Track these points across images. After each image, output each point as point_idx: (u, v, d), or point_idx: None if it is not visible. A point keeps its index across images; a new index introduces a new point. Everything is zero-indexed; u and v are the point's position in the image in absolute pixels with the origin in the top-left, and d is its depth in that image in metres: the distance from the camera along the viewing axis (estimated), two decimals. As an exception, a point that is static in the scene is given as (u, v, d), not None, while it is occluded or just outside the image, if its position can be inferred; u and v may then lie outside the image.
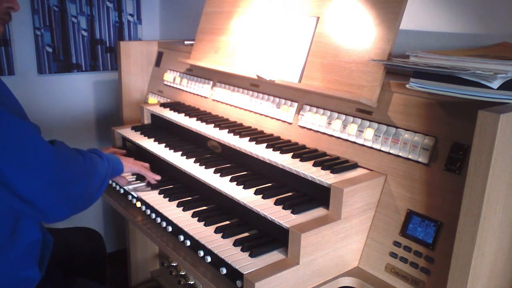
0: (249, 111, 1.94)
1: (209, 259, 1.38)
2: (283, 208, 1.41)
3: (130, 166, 1.72)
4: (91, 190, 1.42)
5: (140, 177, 1.89)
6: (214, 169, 1.70)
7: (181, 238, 1.50)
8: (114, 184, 1.95)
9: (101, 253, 2.03)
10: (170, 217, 1.57)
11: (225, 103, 2.08)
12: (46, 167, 1.26)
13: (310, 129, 1.68)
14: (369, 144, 1.48)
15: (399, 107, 1.43)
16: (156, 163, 1.94)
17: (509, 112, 1.00)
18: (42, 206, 1.27)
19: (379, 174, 1.43)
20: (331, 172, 1.44)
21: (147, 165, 1.82)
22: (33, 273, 1.43)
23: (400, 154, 1.39)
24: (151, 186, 1.82)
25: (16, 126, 1.23)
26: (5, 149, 1.19)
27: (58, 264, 1.74)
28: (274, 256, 1.33)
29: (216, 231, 1.47)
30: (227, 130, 1.84)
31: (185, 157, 1.83)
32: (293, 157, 1.57)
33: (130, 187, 1.83)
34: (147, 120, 2.34)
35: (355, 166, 1.49)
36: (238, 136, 1.78)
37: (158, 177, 1.79)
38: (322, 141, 1.63)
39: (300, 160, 1.53)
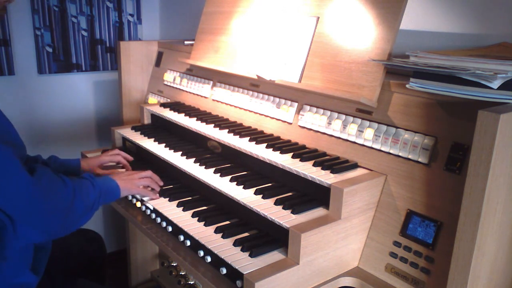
0: (249, 111, 1.94)
1: (209, 259, 1.38)
2: (283, 208, 1.41)
3: (130, 189, 1.65)
4: (68, 222, 1.39)
5: None
6: (214, 169, 1.70)
7: (181, 238, 1.50)
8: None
9: (101, 255, 2.02)
10: (170, 217, 1.57)
11: (225, 103, 2.08)
12: (21, 198, 1.26)
13: (310, 129, 1.67)
14: (369, 144, 1.48)
15: (399, 107, 1.43)
16: (156, 163, 1.94)
17: (509, 112, 1.00)
18: (16, 225, 1.27)
19: (379, 174, 1.43)
20: (331, 172, 1.44)
21: (148, 173, 1.74)
22: (28, 278, 1.42)
23: (400, 154, 1.39)
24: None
25: None
26: None
27: (58, 265, 1.74)
28: (274, 256, 1.33)
29: (216, 231, 1.47)
30: (227, 130, 1.84)
31: (185, 157, 1.83)
32: (293, 157, 1.57)
33: None
34: (147, 120, 2.34)
35: (355, 166, 1.49)
36: (238, 136, 1.78)
37: (156, 197, 1.71)
38: (322, 141, 1.63)
39: (300, 160, 1.53)
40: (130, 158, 1.96)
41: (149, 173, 1.75)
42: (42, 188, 1.31)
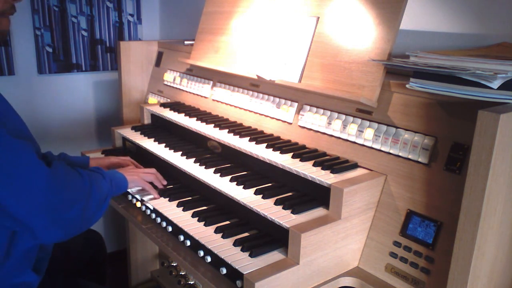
0: (249, 111, 1.94)
1: (209, 259, 1.38)
2: (283, 208, 1.41)
3: (136, 180, 1.67)
4: (87, 214, 1.37)
5: None
6: (214, 169, 1.70)
7: (181, 238, 1.50)
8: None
9: (102, 254, 2.02)
10: (170, 217, 1.57)
11: (225, 103, 2.08)
12: (39, 191, 1.24)
13: (310, 129, 1.68)
14: (369, 144, 1.48)
15: (399, 107, 1.43)
16: (156, 163, 1.94)
17: (509, 112, 1.00)
18: (34, 228, 1.25)
19: (379, 174, 1.43)
20: (331, 172, 1.44)
21: (153, 170, 1.77)
22: (29, 277, 1.42)
23: (400, 154, 1.39)
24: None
25: (12, 148, 1.21)
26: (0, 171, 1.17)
27: (58, 265, 1.74)
28: (274, 256, 1.33)
29: (216, 231, 1.47)
30: (227, 130, 1.84)
31: (185, 157, 1.83)
32: (293, 157, 1.57)
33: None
34: (147, 120, 2.34)
35: (355, 166, 1.49)
36: (238, 136, 1.78)
37: (158, 197, 1.72)
38: (322, 141, 1.63)
39: (300, 160, 1.53)
40: (141, 167, 1.93)
41: (153, 170, 1.78)
42: (58, 182, 1.29)
